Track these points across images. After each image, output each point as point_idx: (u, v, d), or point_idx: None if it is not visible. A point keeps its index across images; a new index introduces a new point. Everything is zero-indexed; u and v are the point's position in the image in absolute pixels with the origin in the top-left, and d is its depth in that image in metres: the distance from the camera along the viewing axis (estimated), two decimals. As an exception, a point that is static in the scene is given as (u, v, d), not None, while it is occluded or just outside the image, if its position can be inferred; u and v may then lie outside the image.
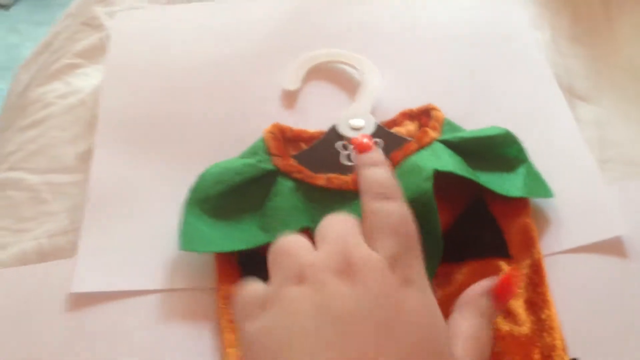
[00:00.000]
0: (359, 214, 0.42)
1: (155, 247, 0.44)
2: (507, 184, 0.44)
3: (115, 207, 0.46)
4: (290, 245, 0.30)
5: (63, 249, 0.45)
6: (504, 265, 0.41)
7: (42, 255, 0.45)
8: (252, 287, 0.30)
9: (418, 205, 0.40)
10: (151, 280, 0.42)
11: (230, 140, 0.49)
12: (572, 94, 0.52)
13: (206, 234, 0.42)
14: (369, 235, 0.31)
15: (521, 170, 0.45)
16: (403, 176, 0.43)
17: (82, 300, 0.42)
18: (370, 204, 0.33)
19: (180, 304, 0.41)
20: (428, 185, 0.41)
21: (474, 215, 0.44)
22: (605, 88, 0.54)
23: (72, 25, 0.65)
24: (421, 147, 0.45)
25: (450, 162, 0.43)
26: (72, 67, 0.59)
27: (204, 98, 0.53)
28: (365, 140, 0.37)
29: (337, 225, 0.32)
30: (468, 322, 0.30)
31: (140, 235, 0.45)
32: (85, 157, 0.50)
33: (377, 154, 0.36)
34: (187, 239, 0.42)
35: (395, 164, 0.44)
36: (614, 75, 0.55)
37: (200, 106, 0.52)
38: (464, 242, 0.42)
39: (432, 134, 0.46)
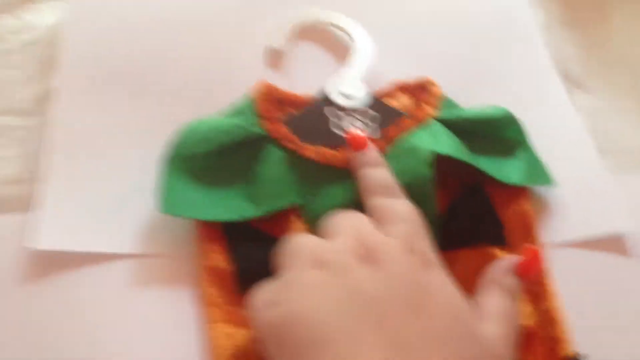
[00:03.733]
0: (350, 193, 0.39)
1: (129, 206, 0.39)
2: (506, 169, 0.42)
3: (83, 156, 0.41)
4: (303, 239, 0.31)
5: (17, 199, 0.40)
6: (501, 254, 0.39)
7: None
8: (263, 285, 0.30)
9: (415, 189, 0.37)
10: (124, 242, 0.38)
11: (212, 90, 0.45)
12: (567, 79, 0.51)
13: (190, 198, 0.38)
14: (378, 226, 0.32)
15: (521, 154, 0.43)
16: (399, 157, 0.40)
17: (41, 262, 0.37)
18: (375, 201, 0.34)
19: (156, 271, 0.37)
20: (427, 171, 0.38)
21: (470, 201, 0.41)
22: (597, 76, 0.52)
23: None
24: (417, 124, 0.42)
25: (448, 145, 0.40)
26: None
27: (183, 40, 0.48)
28: (360, 134, 0.38)
29: (347, 218, 0.32)
30: (495, 300, 0.31)
31: (111, 190, 0.40)
32: (42, 100, 0.45)
33: (374, 154, 0.38)
34: (169, 202, 0.38)
35: (389, 141, 0.41)
36: (605, 64, 0.53)
37: (179, 48, 0.47)
38: (460, 229, 0.40)
39: (429, 110, 0.43)
